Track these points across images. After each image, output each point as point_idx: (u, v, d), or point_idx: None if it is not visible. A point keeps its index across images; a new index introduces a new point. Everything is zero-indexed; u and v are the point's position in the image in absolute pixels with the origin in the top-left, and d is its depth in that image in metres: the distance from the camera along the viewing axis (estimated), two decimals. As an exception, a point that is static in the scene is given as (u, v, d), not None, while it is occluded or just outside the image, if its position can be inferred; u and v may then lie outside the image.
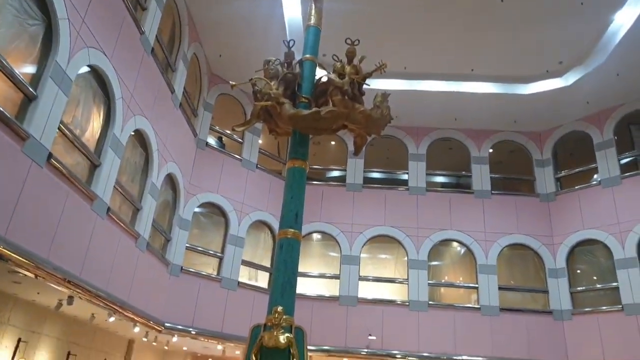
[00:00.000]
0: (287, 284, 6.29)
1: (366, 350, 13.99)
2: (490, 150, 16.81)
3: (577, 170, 15.87)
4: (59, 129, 7.80)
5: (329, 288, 15.62)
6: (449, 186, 17.43)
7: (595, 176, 15.33)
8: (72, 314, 11.47)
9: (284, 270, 6.34)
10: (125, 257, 10.52)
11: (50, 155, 7.42)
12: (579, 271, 14.92)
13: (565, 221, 15.22)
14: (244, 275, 14.83)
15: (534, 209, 15.81)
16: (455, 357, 14.01)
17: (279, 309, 5.79)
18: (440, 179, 17.60)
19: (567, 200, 15.44)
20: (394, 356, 14.13)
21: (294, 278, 6.41)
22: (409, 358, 14.09)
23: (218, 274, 14.07)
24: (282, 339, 5.65)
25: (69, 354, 11.85)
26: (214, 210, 14.87)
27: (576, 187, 15.40)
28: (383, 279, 15.81)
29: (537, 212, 15.75)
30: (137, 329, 11.85)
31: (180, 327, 12.80)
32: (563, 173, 16.12)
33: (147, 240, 11.45)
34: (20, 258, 6.91)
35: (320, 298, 15.14)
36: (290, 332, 5.84)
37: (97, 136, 9.35)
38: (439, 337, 14.21)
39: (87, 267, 8.91)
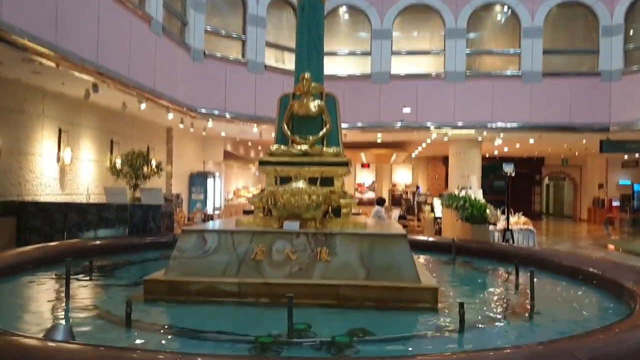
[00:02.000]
0: (312, 49, 5.67)
1: (400, 123, 13.97)
2: None
3: None
4: None
5: (359, 66, 14.96)
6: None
7: None
8: (104, 105, 11.50)
9: (308, 34, 5.65)
10: (141, 41, 9.95)
11: None
12: (632, 30, 13.51)
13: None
14: (271, 57, 14.20)
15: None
16: (490, 125, 13.89)
17: (307, 75, 5.29)
18: None
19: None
20: (427, 128, 14.14)
21: (320, 42, 5.75)
22: (444, 128, 14.09)
23: (243, 56, 13.47)
24: (313, 106, 5.30)
25: (112, 142, 12.31)
26: (229, -12, 13.50)
27: None
28: (417, 52, 14.91)
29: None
30: (171, 116, 11.94)
31: (213, 112, 12.84)
32: None
33: (162, 23, 10.66)
34: (31, 44, 6.51)
35: (351, 78, 14.61)
36: (321, 99, 5.45)
37: None
38: (475, 108, 13.89)
39: (102, 53, 8.50)
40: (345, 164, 5.15)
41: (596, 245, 13.99)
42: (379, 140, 17.71)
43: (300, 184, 4.72)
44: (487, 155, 20.61)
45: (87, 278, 5.34)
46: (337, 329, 3.52)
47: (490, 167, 22.25)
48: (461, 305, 3.65)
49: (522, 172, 21.57)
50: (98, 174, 11.75)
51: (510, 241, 8.55)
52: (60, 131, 10.26)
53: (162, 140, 15.46)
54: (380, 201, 10.45)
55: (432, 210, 14.49)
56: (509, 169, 8.66)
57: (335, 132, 5.42)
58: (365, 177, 27.55)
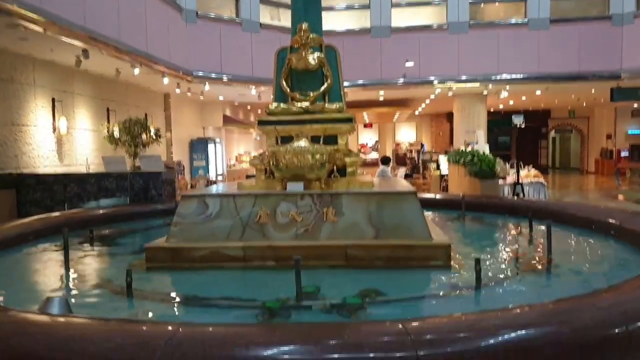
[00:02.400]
0: (310, -3, 5.30)
1: (402, 80, 13.57)
2: None
3: None
4: None
5: (358, 21, 14.42)
6: None
7: None
8: (98, 72, 11.16)
9: (305, -20, 5.28)
10: (130, 3, 9.50)
11: None
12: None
13: None
14: (266, 15, 13.69)
15: None
16: (495, 77, 13.46)
17: (304, 26, 4.96)
18: None
19: None
20: (431, 83, 13.74)
21: (318, -11, 5.38)
22: (448, 82, 13.69)
23: (237, 16, 12.97)
24: (312, 59, 4.99)
25: (108, 110, 12.02)
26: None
27: None
28: (418, 3, 14.33)
29: None
30: (166, 81, 11.59)
31: (209, 75, 12.46)
32: None
33: (151, -18, 10.18)
34: (17, 8, 6.20)
35: (350, 33, 14.08)
36: (321, 52, 5.14)
37: None
38: (480, 59, 13.42)
39: (90, 16, 8.13)
40: (349, 120, 4.89)
41: (607, 196, 13.80)
42: (381, 99, 17.32)
43: (303, 143, 4.48)
44: (491, 110, 20.17)
45: (89, 247, 5.20)
46: (348, 291, 3.36)
47: (495, 122, 21.89)
48: (477, 261, 3.48)
49: (527, 125, 21.20)
50: (96, 143, 11.52)
51: (521, 195, 8.35)
52: (53, 100, 9.98)
53: (160, 107, 15.14)
54: (385, 160, 10.22)
55: (438, 167, 14.28)
56: (518, 120, 8.38)
57: (337, 87, 5.14)
58: (368, 137, 27.23)
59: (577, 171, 26.79)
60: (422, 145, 23.46)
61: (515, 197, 8.05)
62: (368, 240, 4.15)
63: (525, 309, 2.32)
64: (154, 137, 10.96)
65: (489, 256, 4.41)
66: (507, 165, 8.98)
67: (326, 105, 4.93)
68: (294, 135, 4.61)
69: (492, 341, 1.93)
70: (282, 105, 4.98)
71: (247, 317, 2.94)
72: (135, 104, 13.44)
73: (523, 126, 8.49)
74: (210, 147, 17.26)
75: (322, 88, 5.01)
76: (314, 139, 4.75)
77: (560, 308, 2.31)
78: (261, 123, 4.94)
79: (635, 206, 10.94)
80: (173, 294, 3.49)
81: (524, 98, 19.25)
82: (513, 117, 8.43)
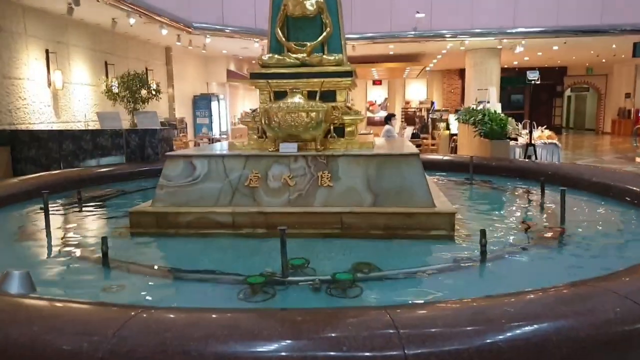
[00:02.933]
0: None
1: (413, 32, 12.89)
2: None
3: None
4: None
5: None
6: None
7: None
8: (93, 22, 10.68)
9: None
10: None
11: None
12: None
13: None
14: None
15: None
16: (510, 30, 12.73)
17: (301, -33, 4.48)
18: None
19: None
20: (443, 36, 13.06)
21: None
22: (460, 37, 13.00)
23: (240, -37, 12.26)
24: (310, 4, 4.53)
25: (106, 63, 11.60)
26: None
27: None
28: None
29: None
30: (164, 32, 11.08)
31: (210, 26, 11.90)
32: None
33: None
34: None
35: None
36: (319, -3, 4.66)
37: None
38: (495, 11, 12.64)
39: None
40: (349, 73, 4.48)
41: (623, 158, 13.30)
42: (391, 53, 16.62)
43: (297, 99, 4.11)
44: (505, 67, 19.36)
45: (76, 211, 4.97)
46: (340, 264, 3.10)
47: (507, 79, 21.04)
48: (482, 232, 3.17)
49: (542, 83, 20.43)
50: (95, 98, 11.18)
51: (533, 157, 7.94)
52: (47, 52, 9.58)
53: (161, 61, 14.66)
54: (389, 117, 9.76)
55: (448, 127, 13.78)
56: (533, 76, 7.84)
57: (338, 37, 4.69)
58: (378, 94, 26.49)
59: (592, 132, 26.03)
60: (432, 104, 22.75)
61: (527, 160, 7.65)
62: (366, 207, 3.84)
63: (535, 295, 2.01)
64: (154, 92, 10.58)
65: (496, 225, 4.10)
66: (520, 126, 8.52)
67: (324, 56, 4.50)
68: (288, 90, 4.23)
69: (494, 338, 1.64)
70: (276, 56, 4.56)
71: (226, 294, 2.68)
72: (135, 57, 12.99)
73: (538, 82, 7.93)
74: (214, 103, 16.84)
75: (321, 37, 4.57)
76: (311, 95, 4.37)
77: (576, 293, 2.01)
78: (253, 76, 4.55)
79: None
80: (152, 265, 3.23)
81: (539, 54, 18.41)
82: (528, 72, 7.87)
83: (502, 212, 4.73)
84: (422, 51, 17.26)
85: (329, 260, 3.23)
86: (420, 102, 25.06)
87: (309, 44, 4.57)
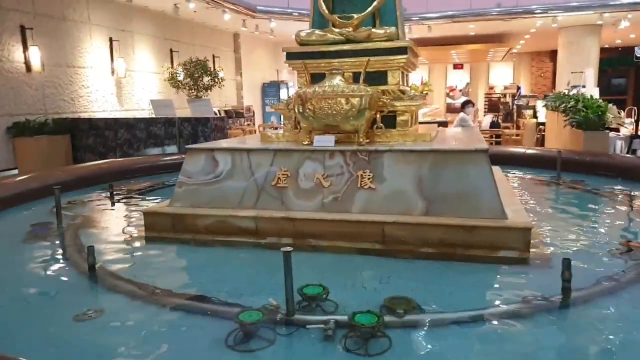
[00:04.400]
0: None
1: (497, 9, 11.56)
2: None
3: None
4: None
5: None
6: None
7: None
8: (158, 9, 10.57)
9: None
10: None
11: None
12: None
13: None
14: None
15: None
16: (614, 2, 11.00)
17: None
18: None
19: None
20: (532, 12, 11.58)
21: None
22: (552, 12, 11.45)
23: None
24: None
25: (171, 51, 11.50)
26: None
27: None
28: None
29: None
30: (227, 17, 10.73)
31: (274, 9, 11.40)
32: None
33: None
34: None
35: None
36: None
37: None
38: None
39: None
40: (403, 50, 3.67)
41: None
42: (472, 33, 15.27)
43: (336, 82, 3.40)
44: (605, 47, 17.15)
45: (106, 205, 4.64)
46: (372, 296, 2.38)
47: (607, 60, 18.60)
48: (566, 263, 2.30)
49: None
50: (159, 86, 11.13)
51: (639, 152, 6.61)
52: (111, 40, 9.56)
53: (229, 48, 14.45)
54: (465, 104, 8.70)
55: (535, 115, 12.32)
56: (641, 54, 6.49)
57: (392, 7, 3.89)
58: (458, 79, 24.83)
59: None
60: (518, 89, 20.84)
61: (632, 155, 6.36)
62: (415, 216, 3.07)
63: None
64: (217, 79, 10.26)
65: (584, 243, 3.16)
66: (622, 114, 7.16)
67: (373, 30, 3.74)
68: (327, 72, 3.53)
69: None
70: (316, 32, 3.87)
71: (218, 332, 2.07)
72: (202, 44, 12.83)
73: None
74: (283, 91, 16.44)
75: (370, 8, 3.81)
76: (369, 78, 3.64)
77: None
78: (290, 56, 3.88)
79: None
80: (142, 284, 2.67)
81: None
82: (636, 49, 6.54)
83: (595, 225, 3.71)
84: (508, 31, 15.65)
85: (356, 290, 2.51)
86: (505, 88, 23.10)
87: (356, 16, 3.82)
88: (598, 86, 11.74)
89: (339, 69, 3.53)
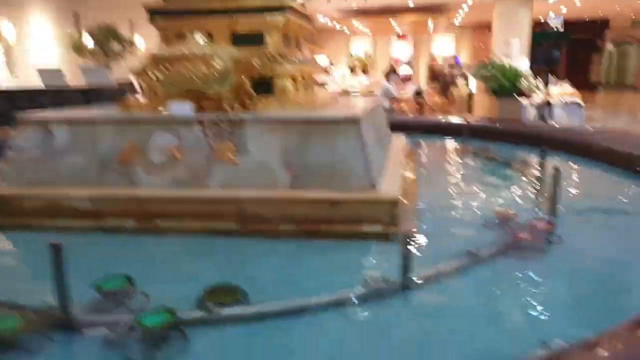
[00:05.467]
0: None
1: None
2: None
3: None
4: None
5: None
6: None
7: None
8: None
9: None
10: None
11: None
12: None
13: None
14: None
15: None
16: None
17: None
18: None
19: None
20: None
21: None
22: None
23: None
24: None
25: (75, 15, 10.52)
26: None
27: None
28: None
29: None
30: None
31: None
32: None
33: None
34: None
35: None
36: None
37: None
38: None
39: None
40: (280, 9, 3.30)
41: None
42: (410, 5, 14.99)
43: (195, 43, 3.00)
44: (540, 21, 17.35)
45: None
46: (196, 287, 2.05)
47: (543, 33, 18.83)
48: (405, 239, 2.06)
49: (580, 37, 18.41)
50: (64, 55, 10.12)
51: (548, 119, 6.59)
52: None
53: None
54: (390, 74, 8.46)
55: (468, 84, 12.29)
56: (556, 22, 6.41)
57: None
58: (402, 50, 24.66)
59: (633, 89, 23.61)
60: (455, 58, 20.93)
61: (540, 122, 6.32)
62: (278, 190, 2.77)
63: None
64: (127, 45, 9.52)
65: (457, 218, 2.96)
66: (539, 81, 7.10)
67: (247, -14, 3.34)
68: (188, 32, 3.12)
69: None
70: (182, -13, 3.43)
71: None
72: (113, 7, 11.78)
73: (562, 29, 6.52)
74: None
75: (242, -40, 3.40)
76: (242, 39, 3.27)
77: None
78: (152, 15, 3.43)
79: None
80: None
81: (578, 4, 16.35)
82: (549, 18, 6.47)
83: (479, 197, 3.49)
84: (445, 1, 15.51)
85: (182, 279, 2.17)
86: (444, 59, 23.19)
87: (229, -32, 3.40)
88: (537, 57, 11.76)
89: (209, 29, 3.13)
